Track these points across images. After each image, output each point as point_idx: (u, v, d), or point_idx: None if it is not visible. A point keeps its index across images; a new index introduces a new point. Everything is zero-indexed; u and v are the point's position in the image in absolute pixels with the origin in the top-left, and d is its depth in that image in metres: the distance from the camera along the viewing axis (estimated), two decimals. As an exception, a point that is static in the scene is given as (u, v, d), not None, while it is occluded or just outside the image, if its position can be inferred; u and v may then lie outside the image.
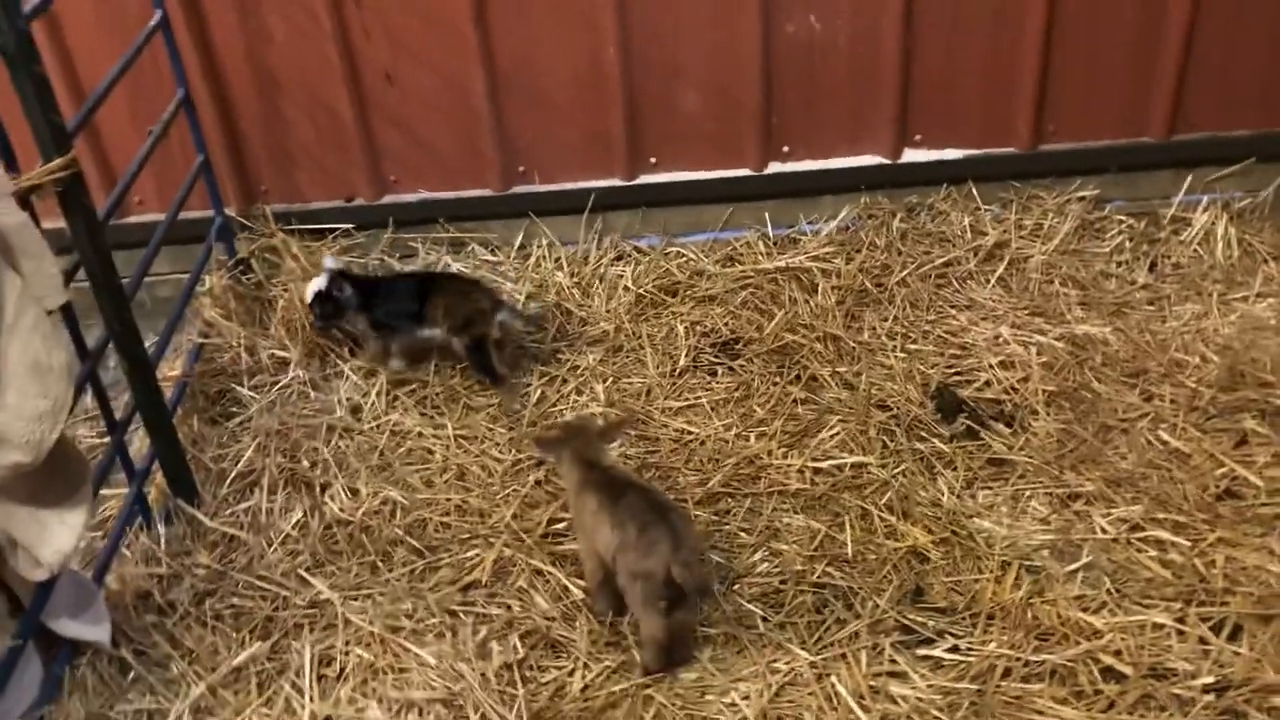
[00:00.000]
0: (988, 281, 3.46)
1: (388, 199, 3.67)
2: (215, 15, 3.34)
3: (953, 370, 3.18)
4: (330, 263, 3.26)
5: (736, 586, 2.59)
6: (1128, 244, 3.57)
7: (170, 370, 3.17)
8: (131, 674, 2.43)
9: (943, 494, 2.79)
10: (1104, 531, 2.65)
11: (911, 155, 3.63)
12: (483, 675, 2.36)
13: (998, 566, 2.58)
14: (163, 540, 2.73)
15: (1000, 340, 3.24)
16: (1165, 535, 2.63)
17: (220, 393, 3.23)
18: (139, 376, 2.65)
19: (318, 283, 3.22)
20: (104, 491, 2.81)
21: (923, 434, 2.96)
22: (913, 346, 3.26)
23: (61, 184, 2.31)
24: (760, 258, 3.60)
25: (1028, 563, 2.59)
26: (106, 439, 2.76)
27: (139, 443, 2.94)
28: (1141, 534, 2.65)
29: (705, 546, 2.64)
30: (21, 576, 2.17)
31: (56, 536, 2.13)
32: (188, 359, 3.24)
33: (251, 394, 3.21)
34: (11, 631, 2.21)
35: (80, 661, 2.41)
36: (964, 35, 3.42)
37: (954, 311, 3.37)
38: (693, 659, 2.42)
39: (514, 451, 3.00)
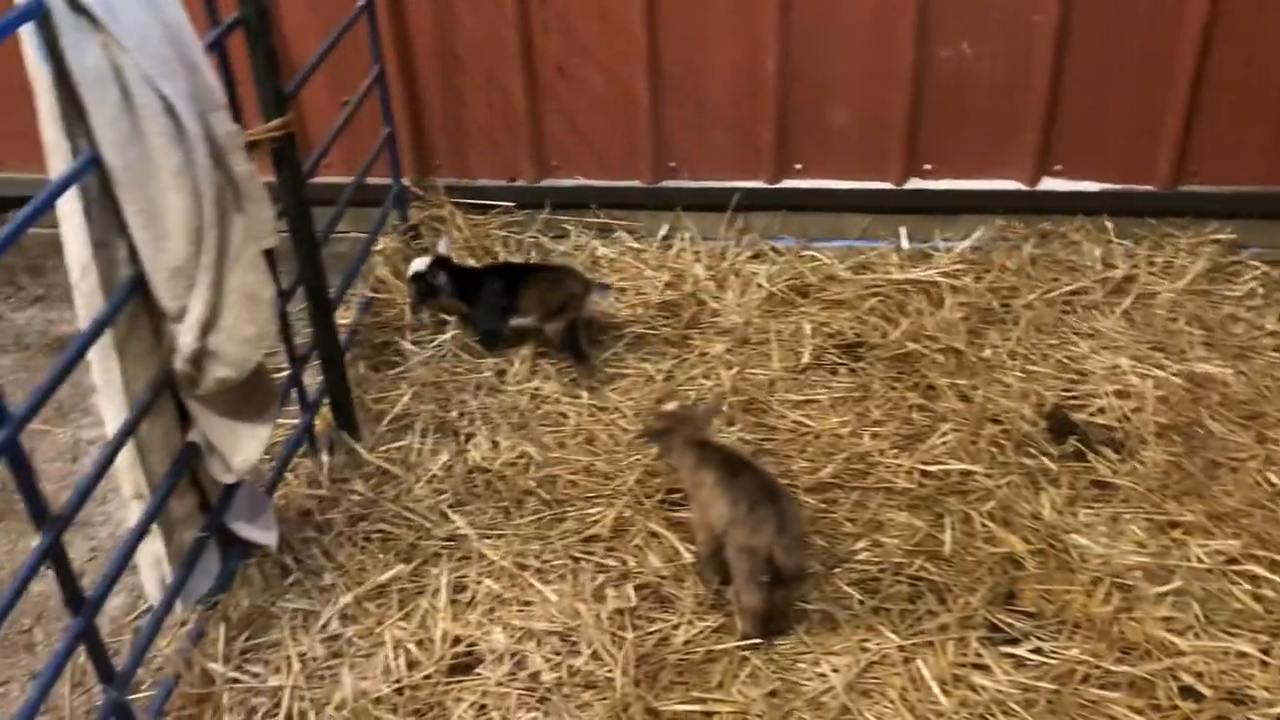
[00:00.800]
0: (1113, 313, 3.55)
1: (547, 182, 3.95)
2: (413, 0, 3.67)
3: (1069, 394, 3.28)
4: (442, 247, 3.55)
5: (837, 570, 2.76)
6: (1260, 290, 3.60)
7: (343, 318, 3.50)
8: (290, 578, 2.75)
9: (1044, 508, 2.91)
10: (1200, 561, 2.74)
11: (1050, 184, 3.74)
12: (596, 616, 2.61)
13: (1089, 580, 2.70)
14: (325, 467, 3.06)
15: (1119, 370, 3.33)
16: (1261, 571, 2.70)
17: (384, 343, 3.55)
18: (320, 318, 2.97)
19: (419, 264, 3.50)
20: (278, 419, 3.14)
21: (1031, 451, 3.08)
22: (1032, 367, 3.37)
23: (277, 142, 2.64)
24: (892, 268, 3.76)
25: (1119, 580, 2.69)
26: (285, 371, 3.11)
27: (309, 378, 3.28)
28: (1237, 567, 2.72)
29: (809, 531, 2.82)
30: (212, 478, 2.51)
31: (245, 446, 2.45)
32: (359, 309, 3.58)
33: (412, 347, 3.53)
34: (199, 524, 2.55)
35: (250, 561, 2.74)
36: (1112, 72, 3.51)
37: (1076, 338, 3.47)
38: (789, 631, 2.62)
39: (641, 424, 3.24)
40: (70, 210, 2.09)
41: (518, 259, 3.84)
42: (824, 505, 2.95)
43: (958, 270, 3.71)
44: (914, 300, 3.62)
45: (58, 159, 2.04)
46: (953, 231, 3.84)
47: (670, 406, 2.93)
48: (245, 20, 2.51)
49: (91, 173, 2.02)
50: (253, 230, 2.30)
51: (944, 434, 3.14)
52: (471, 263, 3.76)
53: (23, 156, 4.02)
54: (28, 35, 1.91)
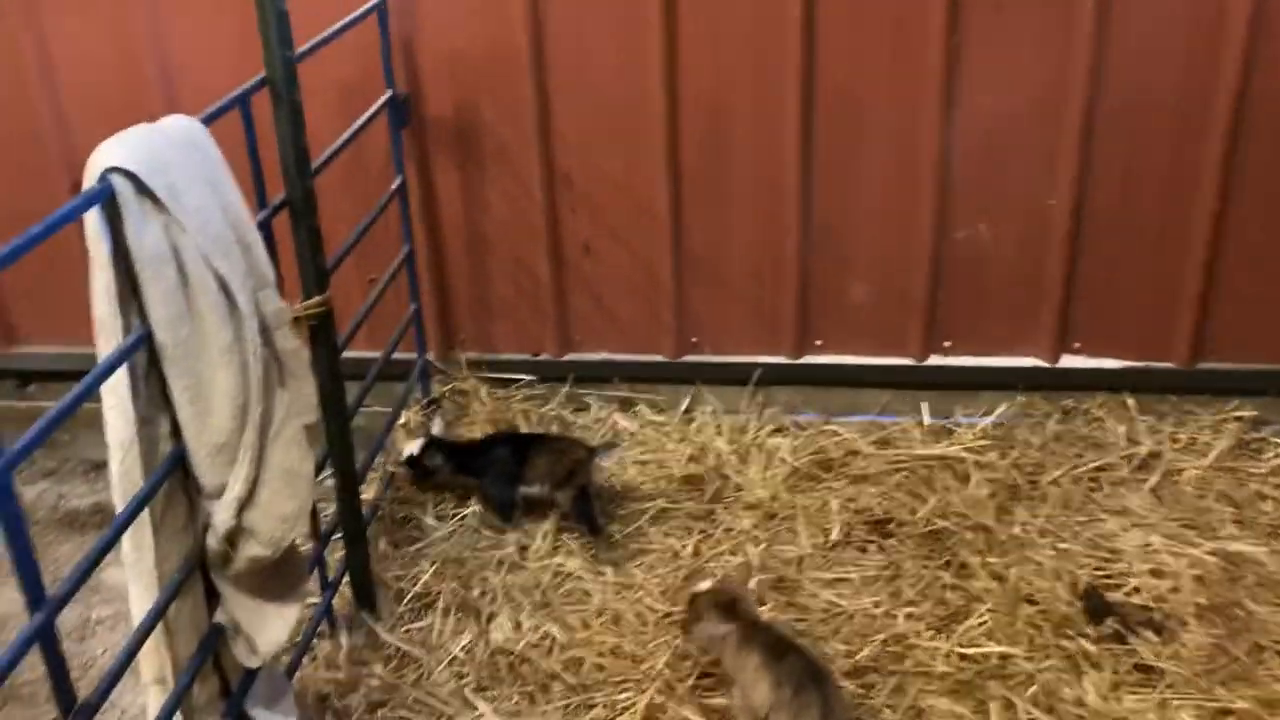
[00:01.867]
0: (1140, 489, 3.53)
1: (570, 356, 3.99)
2: (443, 183, 3.77)
3: (1102, 573, 3.22)
4: (435, 428, 3.58)
5: (878, 760, 2.66)
6: (1286, 468, 3.60)
7: (366, 493, 3.46)
8: (308, 768, 2.63)
9: (1088, 693, 2.81)
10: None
11: (1070, 361, 3.78)
12: (632, 812, 2.48)
13: (1145, 773, 2.59)
14: (344, 648, 2.96)
15: (1151, 548, 3.28)
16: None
17: (405, 518, 3.50)
18: (346, 493, 2.94)
19: (412, 447, 3.52)
20: (298, 596, 3.07)
21: (1069, 632, 3.00)
22: (1062, 545, 3.32)
23: (316, 318, 2.66)
24: (915, 444, 3.75)
25: (1175, 772, 2.59)
26: (306, 547, 3.04)
27: (328, 555, 3.22)
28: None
29: (854, 718, 2.72)
30: (235, 662, 2.42)
31: (273, 627, 2.37)
32: (380, 484, 3.55)
33: (434, 522, 3.47)
34: (219, 711, 2.44)
35: (267, 751, 2.62)
36: (1128, 252, 3.60)
37: (1105, 515, 3.43)
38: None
39: (667, 603, 3.17)
40: (114, 388, 2.08)
41: (522, 429, 3.84)
42: (861, 690, 2.85)
43: (982, 446, 3.71)
44: (939, 476, 3.60)
45: (108, 336, 2.04)
46: (974, 407, 3.86)
47: (703, 586, 2.86)
48: (291, 202, 2.57)
49: (141, 350, 2.03)
50: (295, 406, 2.30)
51: (980, 615, 3.07)
52: (470, 435, 3.75)
53: (45, 331, 4.07)
54: (91, 217, 1.94)
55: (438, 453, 3.49)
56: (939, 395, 3.87)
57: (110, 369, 1.96)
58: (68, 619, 3.37)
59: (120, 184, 1.91)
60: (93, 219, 1.93)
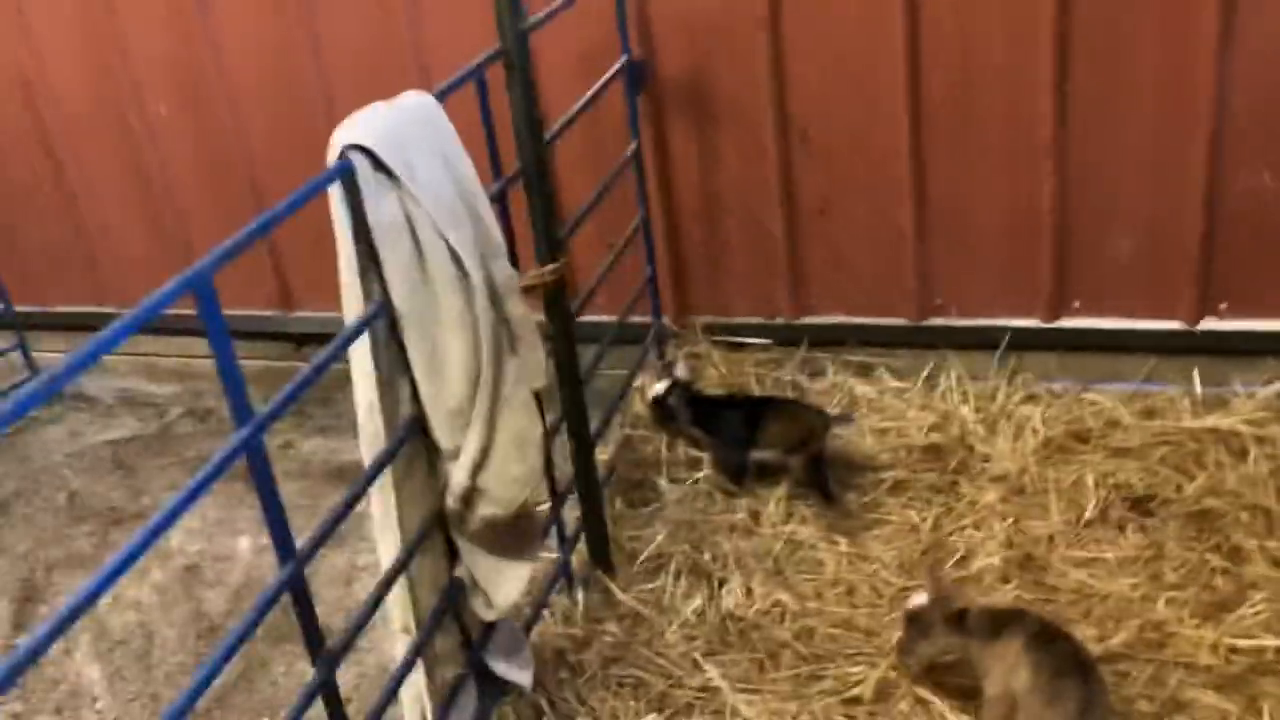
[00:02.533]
0: None
1: (805, 319, 3.90)
2: (677, 146, 3.76)
3: (1406, 564, 2.86)
4: (680, 370, 3.56)
5: (1132, 755, 2.48)
6: None
7: (602, 454, 3.54)
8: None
9: (1382, 699, 2.52)
10: None
11: (1369, 324, 3.36)
12: (860, 789, 2.43)
13: None
14: (579, 605, 3.05)
15: None
16: None
17: (640, 480, 3.55)
18: (581, 455, 3.01)
19: (659, 387, 3.53)
20: (536, 553, 3.18)
21: (1363, 628, 2.69)
22: (1359, 531, 2.97)
23: (550, 285, 2.72)
24: (1184, 415, 3.44)
25: None
26: (542, 506, 3.14)
27: (565, 514, 3.31)
28: None
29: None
30: (475, 615, 2.53)
31: (508, 583, 2.47)
32: (616, 446, 3.61)
33: (667, 485, 3.51)
34: (460, 662, 2.57)
35: (505, 700, 2.74)
36: None
37: None
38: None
39: (904, 577, 3.06)
40: (360, 353, 2.20)
41: (758, 393, 3.79)
42: (1114, 679, 2.65)
43: (1262, 418, 3.35)
44: (1211, 451, 3.29)
45: (352, 304, 2.15)
46: (1254, 375, 3.49)
47: (916, 601, 2.68)
48: (525, 172, 2.63)
49: (382, 318, 2.13)
50: (524, 372, 2.36)
51: (1255, 604, 2.79)
52: (713, 392, 3.73)
53: (318, 297, 4.39)
54: (333, 191, 2.04)
55: (680, 398, 3.51)
56: (1212, 362, 3.52)
57: (353, 336, 2.07)
58: (336, 565, 3.65)
59: (358, 160, 2.00)
60: (334, 194, 2.04)
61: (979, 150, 3.49)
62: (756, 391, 3.81)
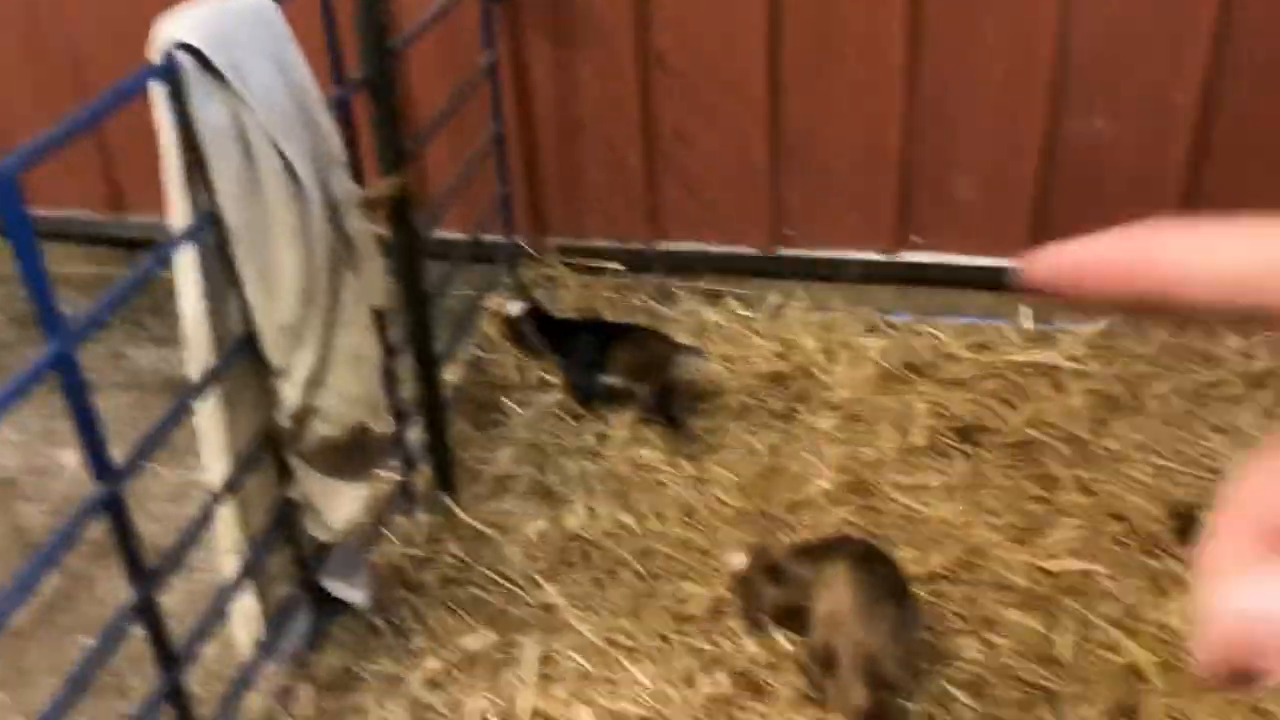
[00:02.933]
0: (1251, 408, 3.33)
1: (660, 245, 3.91)
2: (535, 61, 3.68)
3: (1199, 492, 3.08)
4: (533, 295, 3.56)
5: (944, 668, 2.62)
6: None
7: (449, 375, 3.50)
8: (380, 639, 2.72)
9: (1171, 617, 2.72)
10: (1346, 687, 2.52)
11: (1188, 268, 3.55)
12: (687, 702, 2.51)
13: (1221, 700, 2.50)
14: (421, 525, 3.03)
15: (1257, 470, 3.12)
16: None
17: (487, 402, 3.53)
18: (425, 375, 2.97)
19: (512, 307, 3.54)
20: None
21: (1158, 551, 2.89)
22: (1161, 462, 3.18)
23: (394, 200, 2.65)
24: (1013, 349, 3.60)
25: (1259, 706, 2.49)
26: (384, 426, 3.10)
27: (409, 435, 3.28)
28: (1390, 700, 2.50)
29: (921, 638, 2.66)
30: (309, 535, 2.49)
31: (344, 505, 2.44)
32: (463, 367, 3.58)
33: (515, 407, 3.50)
34: (294, 581, 2.53)
35: (341, 620, 2.72)
36: (1258, 157, 3.33)
37: (1210, 433, 3.26)
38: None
39: (742, 499, 3.15)
40: (186, 265, 2.11)
41: (608, 318, 3.80)
42: (932, 598, 2.80)
43: (1084, 355, 3.54)
44: (1035, 384, 3.46)
45: (178, 213, 2.06)
46: (1080, 313, 3.67)
47: (736, 564, 2.73)
48: (370, 80, 2.53)
49: (209, 228, 2.04)
50: (364, 290, 2.30)
51: (1064, 529, 2.97)
52: (567, 315, 3.73)
53: (153, 201, 4.18)
54: (157, 92, 1.93)
55: (533, 321, 3.49)
56: (1043, 299, 3.68)
57: (177, 246, 1.98)
58: (168, 481, 3.53)
59: (184, 59, 1.89)
60: (158, 94, 1.93)
61: (832, 84, 3.53)
62: (609, 316, 3.82)
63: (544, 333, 3.51)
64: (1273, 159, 3.33)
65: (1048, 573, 2.86)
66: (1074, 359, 3.53)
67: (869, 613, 2.39)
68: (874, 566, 2.47)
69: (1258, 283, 0.40)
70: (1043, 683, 2.57)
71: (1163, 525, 2.96)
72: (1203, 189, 3.42)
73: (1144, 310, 0.43)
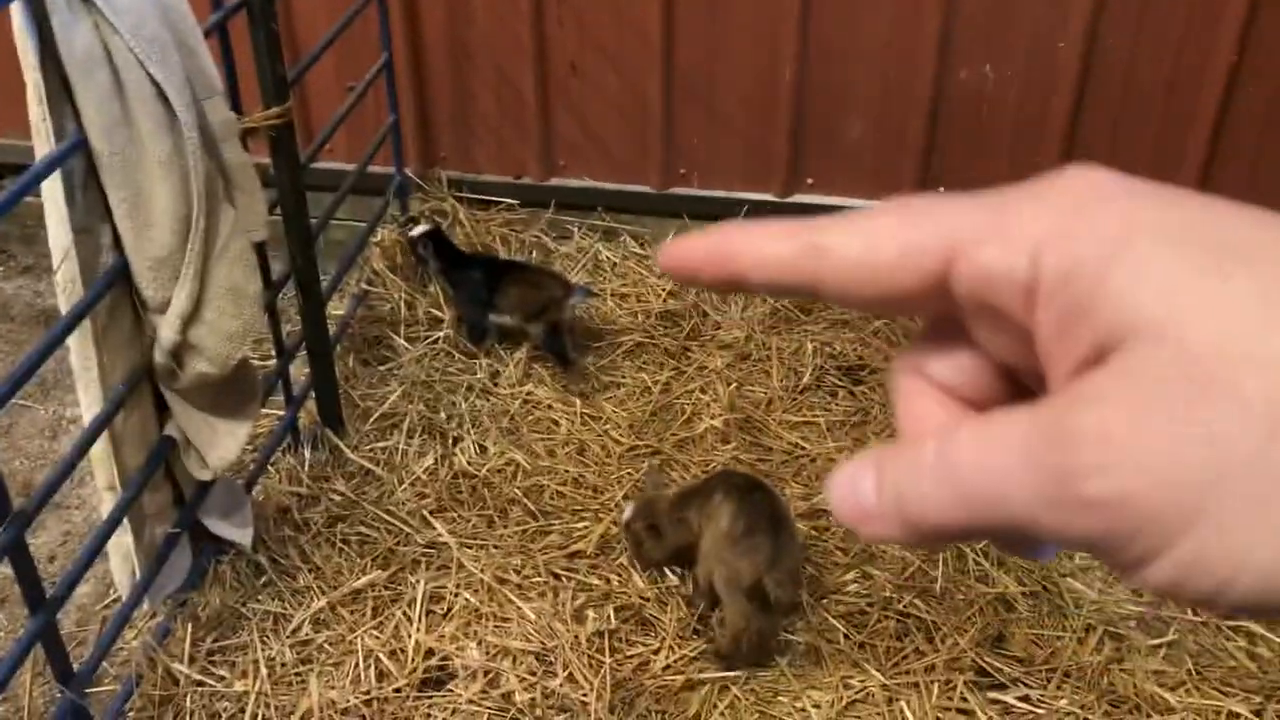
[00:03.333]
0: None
1: (554, 181, 3.87)
2: (425, -12, 3.59)
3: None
4: (431, 223, 3.53)
5: (825, 601, 2.70)
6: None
7: (336, 309, 3.43)
8: (264, 578, 2.68)
9: (1039, 548, 2.84)
10: (1194, 614, 2.68)
11: (1066, 214, 3.65)
12: (575, 638, 2.54)
13: (1082, 628, 2.63)
14: (306, 464, 2.99)
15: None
16: (1257, 629, 2.64)
17: (376, 338, 3.48)
18: (310, 310, 2.90)
19: (417, 230, 3.50)
20: (262, 410, 3.07)
21: (1030, 487, 3.01)
22: (1035, 401, 3.30)
23: (275, 129, 2.56)
24: (899, 291, 3.68)
25: (1112, 629, 2.63)
26: (271, 361, 3.03)
27: (295, 370, 3.21)
28: (1233, 624, 2.66)
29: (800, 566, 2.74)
30: (188, 473, 2.43)
31: (224, 443, 2.38)
32: (351, 302, 3.51)
33: (405, 344, 3.45)
34: (172, 520, 2.47)
35: (223, 559, 2.67)
36: (1135, 105, 3.44)
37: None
38: (770, 662, 2.55)
39: (633, 437, 3.17)
40: (53, 194, 2.02)
41: (501, 254, 3.76)
42: (815, 533, 2.88)
43: (966, 296, 3.64)
44: (920, 324, 3.54)
45: (42, 140, 1.96)
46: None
47: (629, 512, 2.74)
48: (248, 4, 2.43)
49: (76, 157, 1.95)
50: (243, 222, 2.23)
51: (942, 466, 3.07)
52: (466, 249, 3.67)
53: (20, 124, 3.96)
54: (16, 12, 1.83)
55: (431, 246, 3.43)
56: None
57: (42, 174, 1.89)
58: (40, 416, 3.41)
59: (44, -23, 1.79)
60: (17, 13, 1.82)
61: (727, 24, 3.50)
62: (502, 252, 3.78)
63: (440, 260, 3.46)
64: (1148, 107, 3.44)
65: (925, 508, 2.96)
66: (957, 301, 3.62)
67: (747, 541, 2.45)
68: (753, 498, 2.52)
69: (882, 273, 0.43)
70: (919, 614, 2.67)
71: (1034, 462, 3.08)
72: (1083, 136, 3.52)
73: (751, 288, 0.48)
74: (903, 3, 3.38)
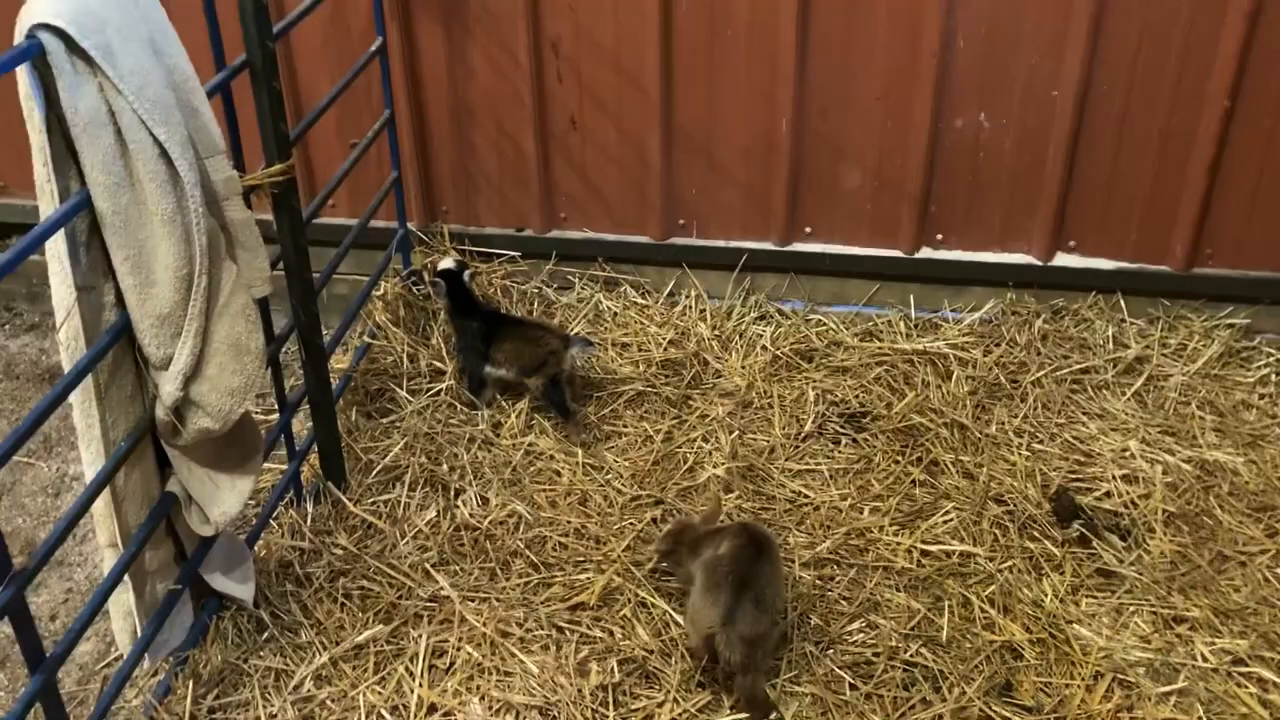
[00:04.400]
0: (1123, 394, 3.47)
1: (554, 233, 3.90)
2: (426, 46, 3.63)
3: (1074, 476, 3.20)
4: (466, 274, 3.52)
5: (830, 651, 2.68)
6: (1274, 378, 3.52)
7: (339, 362, 3.44)
8: (266, 634, 2.67)
9: (1046, 595, 2.82)
10: (1205, 660, 2.65)
11: (1063, 259, 3.68)
12: (579, 691, 2.52)
13: (1090, 675, 2.61)
14: (309, 518, 2.98)
15: (1127, 453, 3.25)
16: (1269, 674, 2.61)
17: (379, 391, 3.49)
18: (313, 364, 2.91)
19: (447, 262, 3.52)
20: (265, 465, 3.07)
21: (1035, 534, 3.00)
22: (1038, 446, 3.29)
23: (278, 186, 2.59)
24: (899, 337, 3.70)
25: (1121, 676, 2.60)
26: (273, 415, 3.04)
27: (298, 424, 3.22)
28: (1244, 669, 2.63)
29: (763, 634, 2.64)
30: (190, 530, 2.43)
31: (225, 499, 2.38)
32: (354, 355, 3.52)
33: (407, 396, 3.46)
34: (174, 577, 2.47)
35: (224, 614, 2.66)
36: (1129, 151, 3.46)
37: (1085, 418, 3.39)
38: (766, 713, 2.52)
39: (635, 487, 3.17)
40: (57, 253, 2.04)
41: (504, 310, 3.77)
42: (820, 582, 2.87)
43: (966, 343, 3.65)
44: (920, 371, 3.56)
45: (47, 199, 1.99)
46: (962, 302, 3.78)
47: (673, 525, 2.81)
48: (251, 64, 2.47)
49: (81, 215, 1.97)
50: (245, 278, 2.25)
51: (946, 513, 3.06)
52: (479, 297, 3.68)
53: (26, 183, 4.01)
54: (22, 75, 1.86)
55: (445, 285, 3.44)
56: (928, 289, 3.79)
57: (46, 233, 1.91)
58: (44, 474, 3.42)
59: (50, 41, 1.82)
60: (24, 77, 1.85)
61: (724, 77, 3.55)
62: (504, 302, 3.80)
63: (451, 299, 3.46)
64: (1144, 152, 3.46)
65: (930, 555, 2.95)
66: (957, 347, 3.63)
67: (711, 595, 2.46)
68: (740, 554, 2.52)
69: None
70: (925, 662, 2.65)
71: (1040, 509, 3.07)
72: (1078, 182, 3.54)
73: None
74: (898, 53, 3.42)
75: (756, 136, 3.62)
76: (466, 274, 3.49)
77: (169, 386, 2.13)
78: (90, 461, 2.27)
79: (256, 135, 2.56)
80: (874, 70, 3.47)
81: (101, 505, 2.30)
